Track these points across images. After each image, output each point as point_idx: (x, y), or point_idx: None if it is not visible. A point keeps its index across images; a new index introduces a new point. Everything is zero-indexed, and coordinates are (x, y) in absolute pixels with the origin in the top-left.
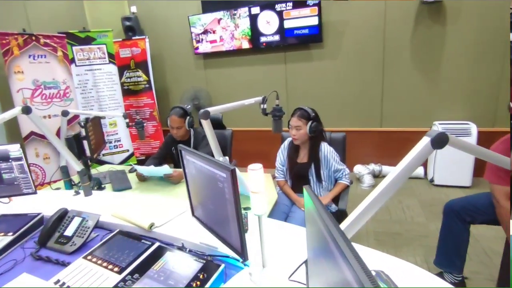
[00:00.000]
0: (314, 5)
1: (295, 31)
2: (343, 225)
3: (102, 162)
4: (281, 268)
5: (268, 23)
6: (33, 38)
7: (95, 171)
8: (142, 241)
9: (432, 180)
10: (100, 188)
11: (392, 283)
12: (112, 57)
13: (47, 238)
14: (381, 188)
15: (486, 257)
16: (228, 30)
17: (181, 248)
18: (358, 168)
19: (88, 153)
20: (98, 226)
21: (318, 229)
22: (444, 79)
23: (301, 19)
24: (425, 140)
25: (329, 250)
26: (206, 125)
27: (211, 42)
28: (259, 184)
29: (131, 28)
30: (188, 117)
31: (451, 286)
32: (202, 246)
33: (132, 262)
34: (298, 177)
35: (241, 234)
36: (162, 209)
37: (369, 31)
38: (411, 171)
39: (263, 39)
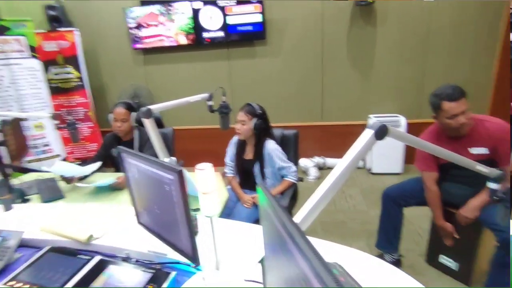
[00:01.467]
0: (257, 2)
1: (239, 28)
2: (296, 220)
3: (27, 170)
4: (236, 269)
5: (211, 18)
6: None
7: (17, 180)
8: (79, 256)
9: (370, 169)
10: (24, 200)
11: (347, 274)
12: (34, 51)
13: None
14: (331, 179)
15: (417, 235)
16: (168, 25)
17: (127, 259)
18: (304, 162)
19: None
20: (22, 244)
21: (273, 226)
22: (376, 76)
23: (245, 15)
24: (369, 133)
25: (286, 246)
26: (149, 124)
27: (151, 37)
28: (209, 184)
29: (57, 19)
30: (134, 113)
31: (393, 266)
32: (150, 254)
33: (68, 280)
34: (245, 173)
35: (191, 238)
36: (102, 218)
37: (308, 29)
38: (357, 162)
39: (206, 34)
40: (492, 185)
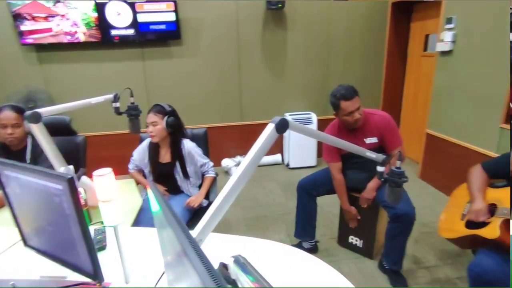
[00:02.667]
0: (169, 0)
1: (151, 26)
2: (205, 218)
3: None
4: (147, 280)
5: (119, 15)
6: None
7: None
8: None
9: (288, 165)
10: None
11: (249, 264)
12: None
13: None
14: (238, 174)
15: (328, 220)
16: (69, 19)
17: None
18: (226, 162)
19: None
20: None
21: (168, 233)
22: (289, 76)
23: (157, 13)
24: (270, 127)
25: (178, 252)
26: (38, 130)
27: (41, 31)
28: (109, 191)
29: None
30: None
31: (307, 252)
32: (44, 281)
33: None
34: (162, 177)
35: (91, 253)
36: None
37: (224, 30)
38: (262, 155)
39: (114, 32)
40: (380, 168)
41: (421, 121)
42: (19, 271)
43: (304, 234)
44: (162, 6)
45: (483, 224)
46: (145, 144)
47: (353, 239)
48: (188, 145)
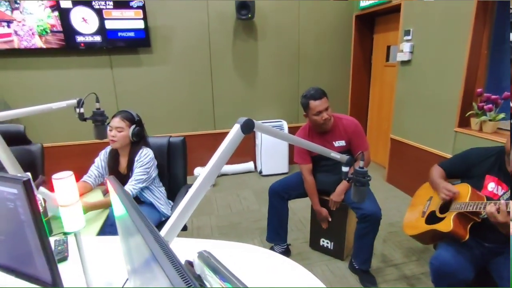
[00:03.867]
0: (138, 7)
1: (120, 33)
2: (168, 223)
3: None
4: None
5: (85, 21)
6: None
7: None
8: None
9: (260, 172)
10: None
11: (214, 258)
12: None
13: None
14: (203, 175)
15: (301, 224)
16: (27, 24)
17: None
18: (198, 170)
19: None
20: None
21: (133, 238)
22: (260, 85)
23: (125, 21)
24: (236, 127)
25: (145, 254)
26: None
27: (4, 35)
28: (68, 195)
29: None
30: None
31: (280, 254)
32: None
33: None
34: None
35: (49, 261)
36: None
37: (196, 39)
38: (228, 155)
39: (80, 38)
40: (344, 169)
41: (386, 127)
42: None
43: (276, 238)
44: (130, 13)
45: (439, 219)
46: (104, 151)
47: (324, 242)
48: (142, 154)
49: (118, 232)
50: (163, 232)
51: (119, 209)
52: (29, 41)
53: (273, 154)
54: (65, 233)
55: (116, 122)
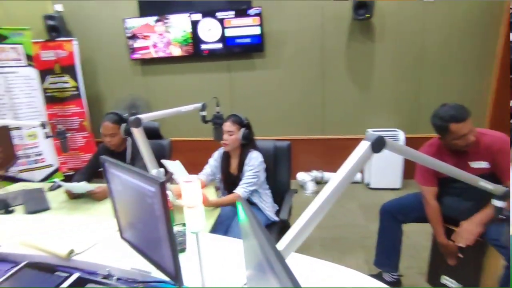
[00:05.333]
0: (255, 15)
1: (237, 40)
2: (288, 236)
3: (16, 180)
4: None
5: (209, 30)
6: None
7: (3, 191)
8: (57, 273)
9: (368, 184)
10: (8, 211)
11: None
12: (30, 59)
13: None
14: (326, 193)
15: (415, 251)
16: (166, 36)
17: (108, 277)
18: (301, 176)
19: None
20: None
21: (253, 246)
22: (375, 90)
23: (243, 28)
24: (365, 145)
25: (264, 270)
26: (138, 134)
27: (146, 47)
28: (194, 198)
29: (55, 28)
30: (124, 124)
31: (386, 286)
32: (133, 272)
33: None
34: (232, 187)
35: (174, 256)
36: (86, 232)
37: (308, 42)
38: (353, 175)
39: (204, 46)
40: (497, 203)
41: None
42: (114, 260)
43: (386, 264)
44: (248, 21)
45: None
46: (217, 153)
47: (447, 280)
48: (253, 156)
49: (243, 240)
50: (281, 245)
51: (242, 215)
52: (164, 51)
53: (385, 166)
54: (184, 225)
55: (227, 126)
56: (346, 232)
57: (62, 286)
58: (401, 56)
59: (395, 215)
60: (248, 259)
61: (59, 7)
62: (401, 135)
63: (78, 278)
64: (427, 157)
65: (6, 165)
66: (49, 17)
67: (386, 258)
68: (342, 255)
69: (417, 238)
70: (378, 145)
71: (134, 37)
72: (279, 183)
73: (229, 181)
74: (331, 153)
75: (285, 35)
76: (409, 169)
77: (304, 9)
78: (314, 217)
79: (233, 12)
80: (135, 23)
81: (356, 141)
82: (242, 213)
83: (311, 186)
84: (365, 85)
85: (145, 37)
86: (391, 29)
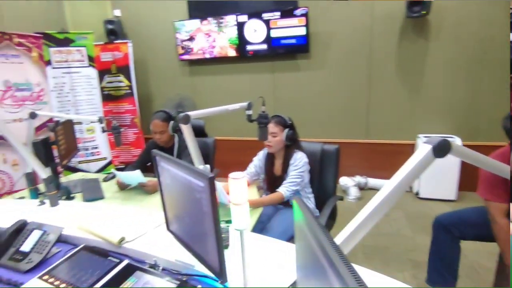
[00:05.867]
0: (301, 15)
1: (282, 41)
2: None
3: (76, 170)
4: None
5: (255, 31)
6: (6, 37)
7: (65, 179)
8: (109, 258)
9: (417, 193)
10: (69, 197)
11: None
12: (92, 61)
13: (1, 254)
14: (380, 199)
15: (474, 272)
16: (213, 37)
17: (154, 266)
18: (344, 180)
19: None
20: (61, 240)
21: (309, 247)
22: (427, 93)
23: (289, 28)
24: (426, 148)
25: (324, 272)
26: (186, 130)
27: (197, 48)
28: (241, 195)
29: (114, 32)
30: (172, 122)
31: None
32: (177, 264)
33: (95, 282)
34: (275, 187)
35: (219, 252)
36: (136, 221)
37: (355, 43)
38: (410, 182)
39: (249, 47)
40: None
41: None
42: (160, 250)
43: (441, 283)
44: (294, 21)
45: None
46: (262, 153)
47: None
48: (297, 157)
49: (296, 240)
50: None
51: (298, 215)
52: (211, 52)
53: (438, 174)
54: (227, 222)
55: (271, 127)
56: (390, 242)
57: (113, 271)
58: (459, 56)
59: (451, 230)
60: (302, 260)
61: (117, 12)
62: (458, 142)
63: (128, 265)
64: (507, 167)
65: (69, 155)
66: (109, 22)
67: (440, 276)
68: (386, 266)
69: (474, 256)
70: (441, 149)
71: (182, 38)
72: (323, 188)
73: (272, 181)
74: (376, 158)
75: (332, 35)
76: (467, 180)
77: (352, 10)
78: (366, 223)
79: (279, 13)
80: (184, 25)
81: (404, 147)
82: (298, 212)
83: (354, 192)
84: (415, 87)
85: (193, 39)
86: (449, 27)
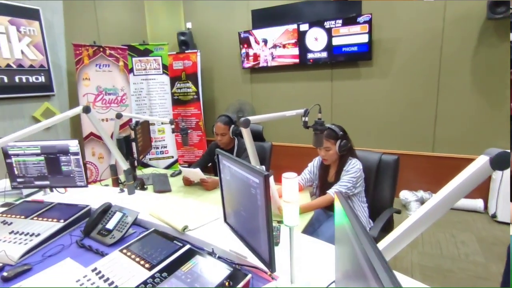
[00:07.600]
0: (364, 22)
1: (344, 49)
2: (381, 244)
3: (147, 165)
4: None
5: (316, 40)
6: (101, 49)
7: (140, 172)
8: (175, 241)
9: (494, 216)
10: (143, 188)
11: None
12: (165, 69)
13: (91, 228)
14: (426, 209)
15: None
16: (274, 46)
17: (211, 254)
18: (405, 194)
19: (135, 155)
20: (136, 223)
21: (350, 249)
22: (506, 105)
23: (351, 36)
24: (483, 159)
25: (363, 274)
26: (246, 133)
27: (259, 56)
28: (292, 194)
29: (185, 42)
30: (233, 126)
31: None
32: (231, 253)
33: (162, 260)
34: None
35: (270, 243)
36: (197, 213)
37: (423, 50)
38: (462, 194)
39: (310, 55)
40: None
41: None
42: (217, 240)
43: None
44: (356, 29)
45: None
46: (317, 160)
47: None
48: (350, 164)
49: (336, 242)
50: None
51: (341, 219)
52: (272, 60)
53: None
54: (279, 221)
55: (324, 142)
56: (454, 265)
57: (177, 253)
58: None
59: None
60: (342, 263)
61: (189, 25)
62: None
63: (189, 249)
64: None
65: (144, 151)
66: (181, 33)
67: None
68: None
69: None
70: (499, 161)
71: (246, 47)
72: (379, 198)
73: (325, 188)
74: (442, 173)
75: (396, 41)
76: None
77: (420, 12)
78: (409, 232)
79: (341, 21)
80: (248, 35)
81: None
82: (341, 214)
83: (415, 207)
84: (492, 98)
85: (255, 47)
86: None
